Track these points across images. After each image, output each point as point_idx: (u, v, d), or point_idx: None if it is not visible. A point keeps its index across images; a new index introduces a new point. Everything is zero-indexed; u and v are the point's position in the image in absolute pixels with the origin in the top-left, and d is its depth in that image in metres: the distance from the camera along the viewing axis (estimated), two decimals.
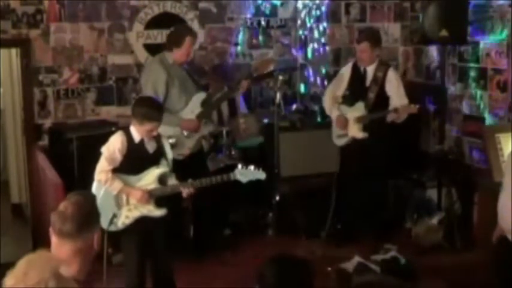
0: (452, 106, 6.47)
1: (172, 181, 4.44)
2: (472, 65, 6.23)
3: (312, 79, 7.22)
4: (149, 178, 4.35)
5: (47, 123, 6.27)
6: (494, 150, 5.42)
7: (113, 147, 4.27)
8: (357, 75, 5.91)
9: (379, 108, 5.75)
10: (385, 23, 7.33)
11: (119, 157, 4.27)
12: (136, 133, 4.29)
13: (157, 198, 4.38)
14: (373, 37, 5.89)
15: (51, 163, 5.57)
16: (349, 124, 5.84)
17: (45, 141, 6.21)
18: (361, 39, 5.88)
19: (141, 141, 4.31)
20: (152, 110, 4.27)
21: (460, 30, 5.91)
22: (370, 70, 5.84)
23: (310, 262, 2.87)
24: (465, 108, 6.34)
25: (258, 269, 2.80)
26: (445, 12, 5.84)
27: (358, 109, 5.82)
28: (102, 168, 4.27)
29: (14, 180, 7.17)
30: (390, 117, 5.65)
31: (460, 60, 6.37)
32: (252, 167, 4.50)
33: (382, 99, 5.78)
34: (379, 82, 5.79)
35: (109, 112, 6.49)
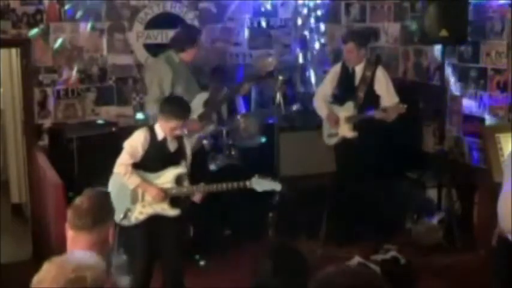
0: (452, 106, 6.47)
1: (188, 183, 4.46)
2: (472, 65, 6.22)
3: (312, 79, 7.22)
4: (167, 177, 4.38)
5: (47, 123, 6.27)
6: (494, 150, 5.42)
7: (136, 142, 4.31)
8: (346, 75, 5.91)
9: (369, 108, 5.74)
10: (385, 23, 7.33)
11: (140, 152, 4.30)
12: (160, 131, 4.33)
13: (172, 198, 4.41)
14: (359, 37, 5.92)
15: (51, 163, 5.57)
16: (340, 123, 5.85)
17: (45, 141, 6.20)
18: (346, 39, 5.89)
19: (164, 139, 4.35)
20: (180, 108, 4.34)
21: (460, 30, 5.91)
22: (359, 69, 5.85)
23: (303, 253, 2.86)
24: (465, 108, 6.34)
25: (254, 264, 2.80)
26: (445, 12, 5.83)
27: (348, 109, 5.83)
28: (122, 161, 4.30)
29: (14, 180, 7.17)
30: (378, 115, 5.62)
31: (460, 60, 6.36)
32: (269, 178, 4.52)
33: (372, 98, 5.78)
34: (368, 81, 5.80)
35: (109, 112, 6.49)
